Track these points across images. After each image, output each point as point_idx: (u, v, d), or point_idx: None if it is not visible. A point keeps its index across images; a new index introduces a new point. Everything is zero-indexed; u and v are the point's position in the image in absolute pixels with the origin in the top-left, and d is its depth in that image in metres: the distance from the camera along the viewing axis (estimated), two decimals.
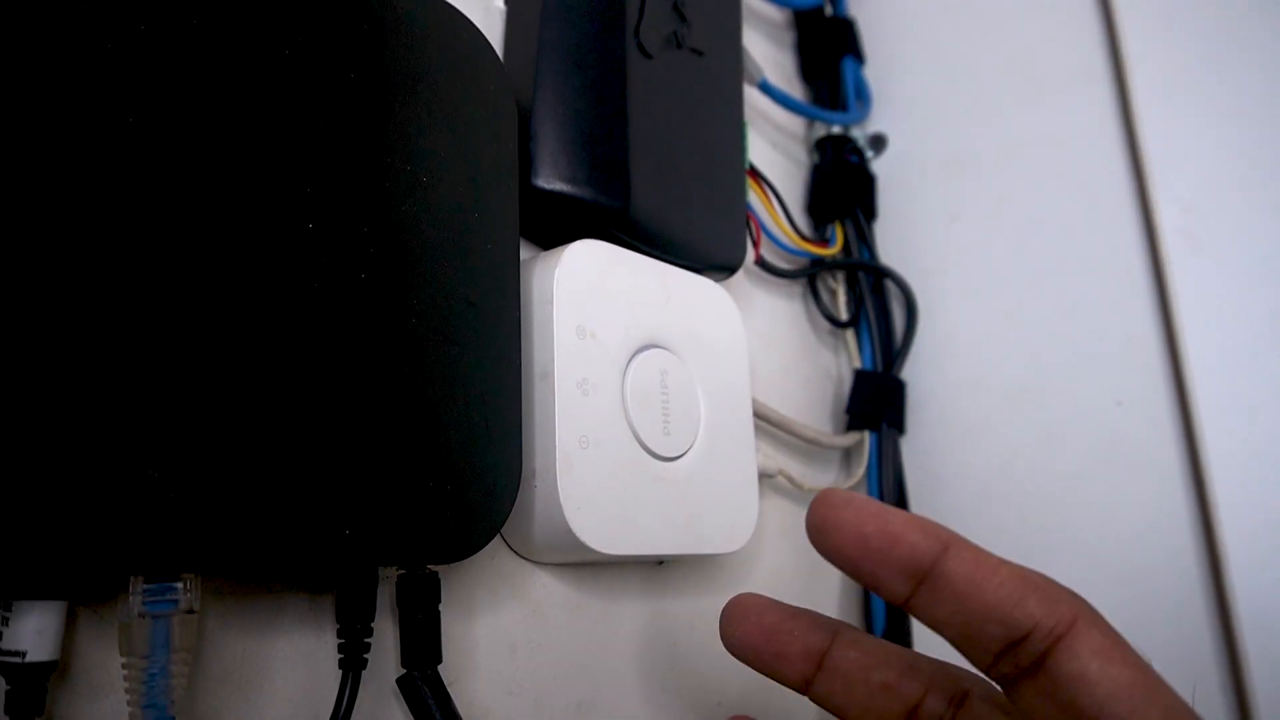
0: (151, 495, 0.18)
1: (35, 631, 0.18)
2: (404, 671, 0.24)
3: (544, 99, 0.31)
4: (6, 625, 0.18)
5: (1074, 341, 0.41)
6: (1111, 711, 0.18)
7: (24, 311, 0.17)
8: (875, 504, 0.20)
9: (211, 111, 0.21)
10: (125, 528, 0.18)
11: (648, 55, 0.34)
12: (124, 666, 0.19)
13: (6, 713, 0.18)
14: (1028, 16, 0.45)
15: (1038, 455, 0.40)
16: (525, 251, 0.31)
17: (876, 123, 0.51)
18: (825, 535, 0.20)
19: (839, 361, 0.48)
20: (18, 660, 0.18)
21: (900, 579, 0.20)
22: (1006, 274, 0.44)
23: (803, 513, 0.41)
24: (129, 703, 0.19)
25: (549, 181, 0.30)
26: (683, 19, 0.36)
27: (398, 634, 0.25)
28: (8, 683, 0.18)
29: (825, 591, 0.42)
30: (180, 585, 0.20)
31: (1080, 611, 0.19)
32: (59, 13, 0.19)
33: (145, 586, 0.19)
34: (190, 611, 0.20)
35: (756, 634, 0.24)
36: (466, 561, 0.28)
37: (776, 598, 0.38)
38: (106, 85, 0.19)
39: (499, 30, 0.34)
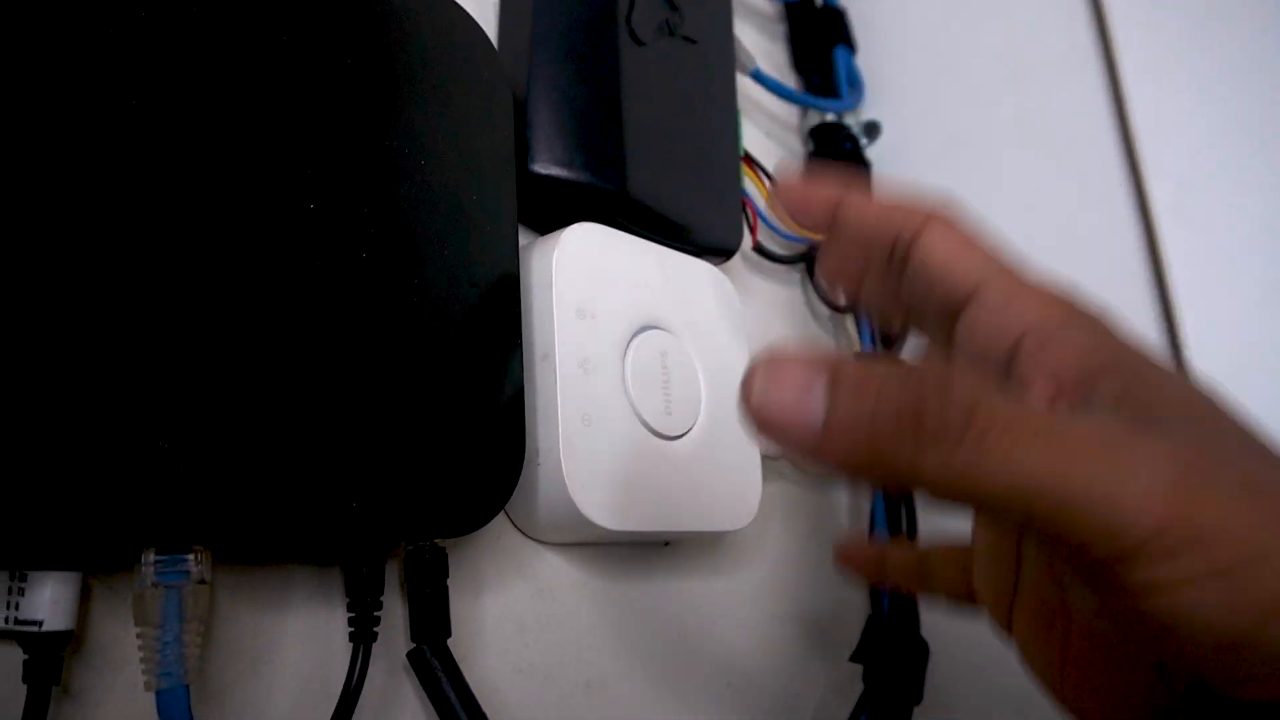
0: (163, 468, 0.19)
1: (51, 601, 0.18)
2: (414, 646, 0.25)
3: (538, 86, 0.31)
4: (23, 595, 0.18)
5: None
6: (940, 276, 0.21)
7: (40, 291, 0.18)
8: (798, 180, 0.25)
9: (215, 98, 0.21)
10: (137, 499, 0.18)
11: (640, 42, 0.34)
12: (138, 636, 0.19)
13: (25, 681, 0.18)
14: (1016, 1, 0.45)
15: None
16: (524, 238, 0.32)
17: (870, 110, 0.51)
18: (798, 214, 0.25)
19: (840, 347, 0.48)
20: (34, 629, 0.18)
21: (822, 222, 0.24)
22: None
23: (806, 496, 0.41)
24: (144, 671, 0.19)
25: (545, 166, 0.31)
26: (673, 7, 0.37)
27: (407, 610, 0.25)
28: (25, 651, 0.18)
29: (830, 570, 0.42)
30: (191, 557, 0.20)
31: (931, 216, 0.22)
32: (82, 9, 0.19)
33: (157, 558, 0.19)
34: (202, 582, 0.20)
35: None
36: (474, 542, 0.28)
37: (782, 580, 0.39)
38: (114, 72, 0.20)
39: (493, 21, 0.34)
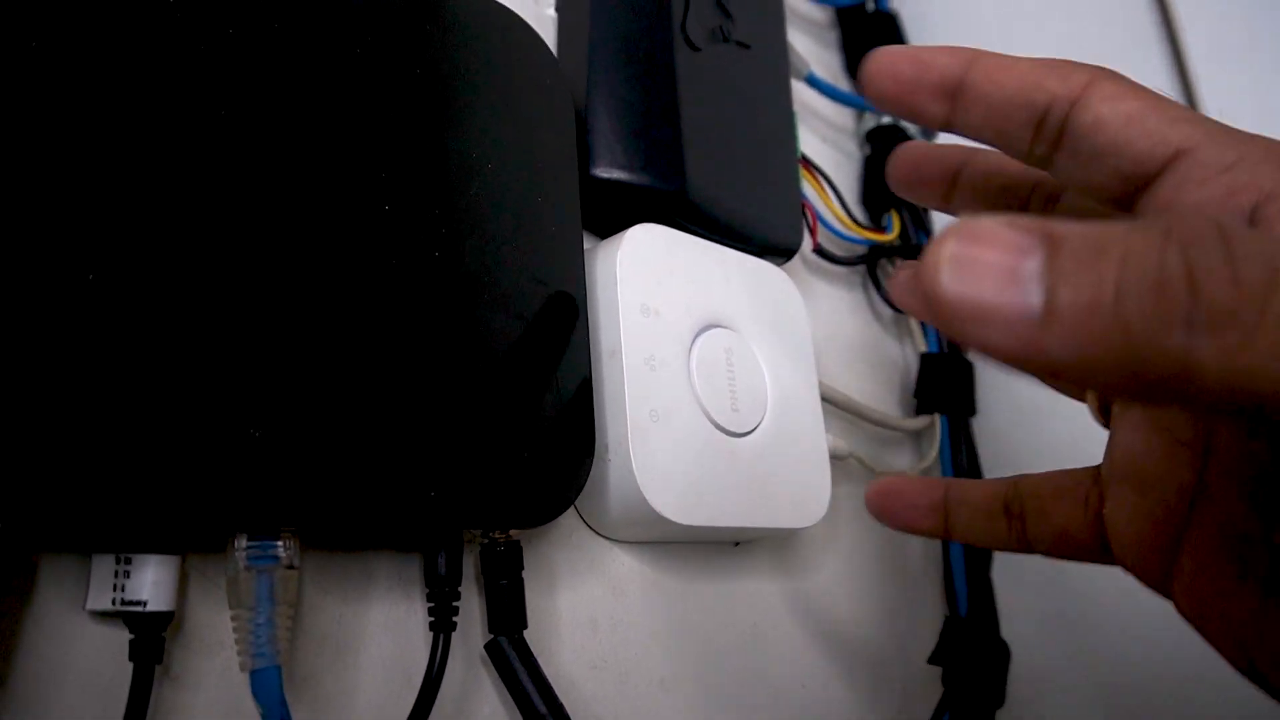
0: (253, 455, 0.19)
1: (153, 583, 0.19)
2: (491, 638, 0.25)
3: (597, 94, 0.32)
4: (128, 577, 0.19)
5: None
6: (1128, 139, 0.18)
7: (143, 293, 0.19)
8: (903, 47, 0.22)
9: (299, 108, 0.22)
10: (229, 484, 0.19)
11: (695, 48, 0.35)
12: (233, 619, 0.20)
13: (130, 659, 0.19)
14: None
15: None
16: (587, 242, 0.32)
17: None
18: (872, 83, 0.22)
19: (904, 348, 0.47)
20: (139, 609, 0.19)
21: (937, 100, 0.21)
22: None
23: None
24: (238, 652, 0.20)
25: (607, 170, 0.31)
26: (727, 14, 0.37)
27: (483, 604, 0.26)
28: (130, 630, 0.19)
29: (903, 572, 0.41)
30: (280, 543, 0.21)
31: (1095, 74, 0.19)
32: (171, 19, 0.20)
33: (248, 543, 0.20)
34: (290, 567, 0.21)
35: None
36: (548, 539, 0.29)
37: (854, 579, 0.38)
38: (207, 84, 0.21)
39: (551, 36, 0.35)
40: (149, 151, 0.20)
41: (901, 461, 0.44)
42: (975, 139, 0.21)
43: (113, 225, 0.19)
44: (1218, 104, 0.38)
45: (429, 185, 0.25)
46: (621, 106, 0.32)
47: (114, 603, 0.19)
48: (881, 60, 0.22)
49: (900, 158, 0.26)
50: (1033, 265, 0.12)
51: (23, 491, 0.16)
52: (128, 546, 0.19)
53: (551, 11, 0.36)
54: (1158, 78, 0.41)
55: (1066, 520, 0.21)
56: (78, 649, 0.19)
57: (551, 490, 0.25)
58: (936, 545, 0.42)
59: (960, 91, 0.20)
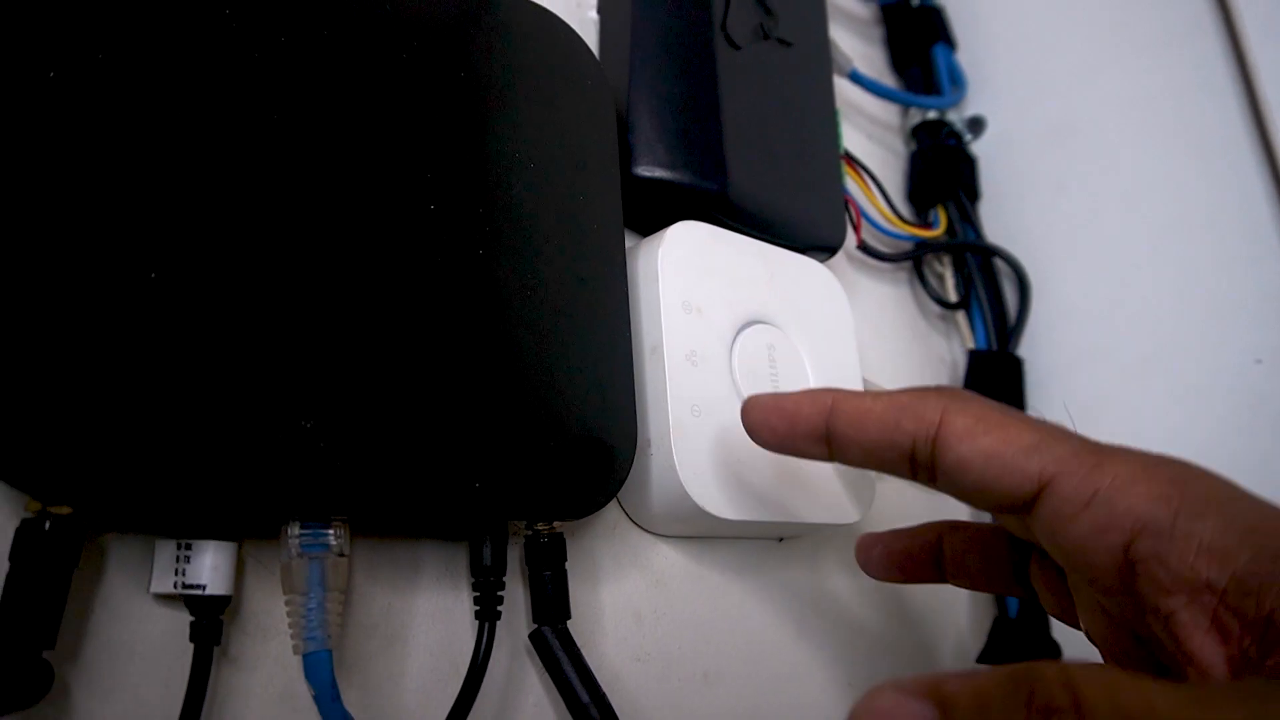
0: (305, 445, 0.20)
1: (212, 568, 0.20)
2: (535, 628, 0.26)
3: (638, 93, 0.33)
4: (189, 562, 0.20)
5: (1202, 301, 0.39)
6: (990, 478, 0.20)
7: (200, 287, 0.20)
8: (770, 397, 0.25)
9: (349, 111, 0.23)
10: (282, 473, 0.20)
11: (735, 46, 0.35)
12: (286, 604, 0.21)
13: (191, 640, 0.20)
14: None
15: (1171, 422, 0.39)
16: (629, 241, 0.33)
17: (973, 105, 0.50)
18: (754, 436, 0.25)
19: (951, 345, 0.47)
20: (199, 592, 0.20)
21: (814, 445, 0.23)
22: (1121, 239, 0.42)
23: (923, 496, 0.41)
24: (292, 635, 0.21)
25: (649, 169, 0.32)
26: (767, 11, 0.37)
27: (528, 595, 0.26)
28: (191, 613, 0.20)
29: None
30: (331, 531, 0.21)
31: (944, 407, 0.21)
32: (228, 27, 0.21)
33: (301, 530, 0.21)
34: (341, 555, 0.21)
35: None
36: (591, 533, 0.29)
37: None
38: (263, 89, 0.22)
39: (594, 38, 0.36)
40: (209, 155, 0.20)
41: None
42: (862, 469, 0.24)
43: (174, 227, 0.20)
44: (1275, 90, 0.37)
45: (473, 185, 0.25)
46: (663, 106, 0.33)
47: (175, 586, 0.20)
48: (754, 414, 0.25)
49: (872, 557, 0.29)
50: None
51: (93, 479, 0.17)
52: (188, 533, 0.20)
53: (593, 14, 0.36)
54: (1214, 62, 0.40)
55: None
56: (142, 629, 0.20)
57: (594, 483, 0.26)
58: None
59: (831, 438, 0.23)
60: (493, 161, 0.26)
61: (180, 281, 0.19)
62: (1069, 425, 0.21)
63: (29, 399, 0.17)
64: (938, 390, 0.22)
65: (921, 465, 0.21)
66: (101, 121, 0.19)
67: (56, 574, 0.18)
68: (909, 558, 0.28)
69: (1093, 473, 0.19)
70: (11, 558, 0.18)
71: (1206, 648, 0.17)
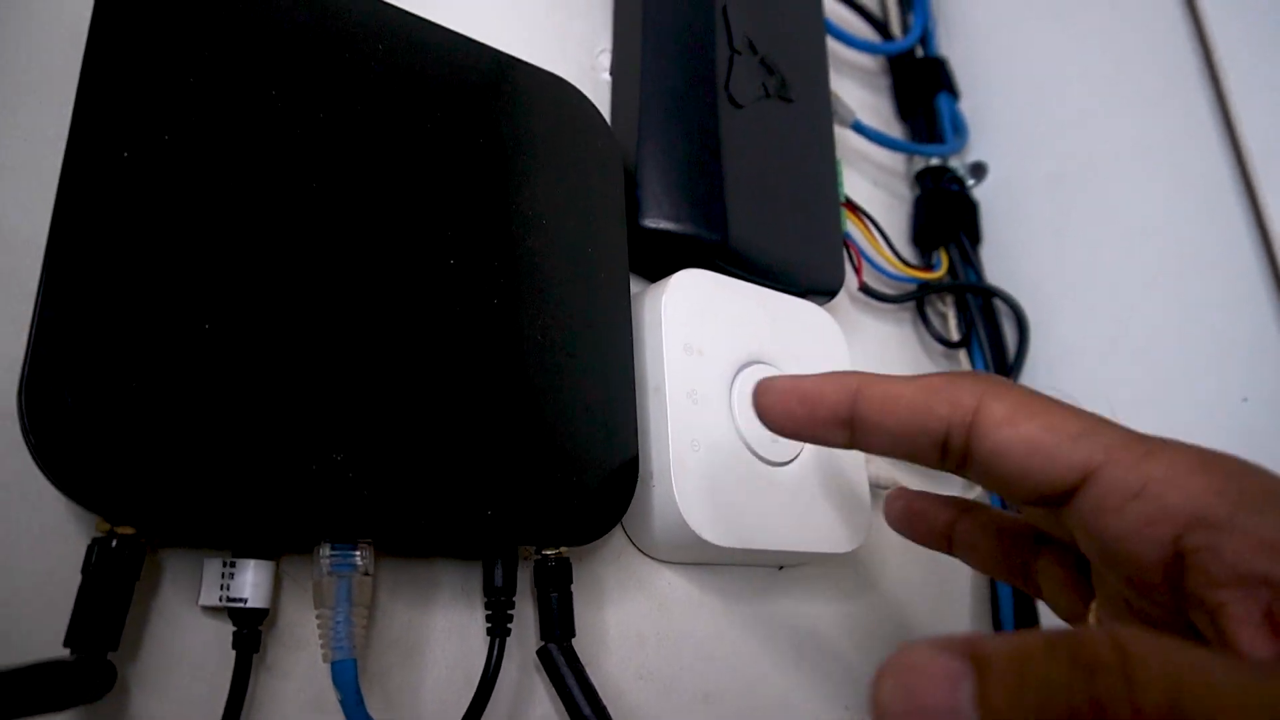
0: (336, 475, 0.23)
1: (253, 584, 0.23)
2: (542, 644, 0.28)
3: (646, 150, 0.35)
4: (232, 578, 0.23)
5: (1193, 342, 0.40)
6: (1031, 467, 0.19)
7: (247, 336, 0.22)
8: (787, 379, 0.23)
9: (380, 177, 0.26)
10: (316, 500, 0.22)
11: (738, 105, 0.38)
12: (317, 617, 0.24)
13: (233, 648, 0.22)
14: (1115, 31, 0.46)
15: None
16: (636, 286, 0.35)
17: (975, 152, 0.53)
18: (768, 421, 0.24)
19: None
20: (241, 605, 0.22)
21: (835, 430, 0.22)
22: (1117, 282, 0.44)
23: None
24: (321, 645, 0.23)
25: (655, 221, 0.34)
26: (770, 71, 0.40)
27: (537, 614, 0.29)
28: (234, 623, 0.23)
29: (948, 598, 0.42)
30: (358, 552, 0.24)
31: (982, 393, 0.20)
32: (274, 108, 0.25)
33: (331, 551, 0.24)
34: (366, 574, 0.24)
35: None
36: (598, 558, 0.31)
37: (901, 605, 0.40)
38: (303, 160, 0.25)
39: (606, 99, 0.39)
40: (258, 220, 0.23)
41: (949, 490, 0.45)
42: (884, 456, 0.23)
43: (225, 283, 0.23)
44: (1258, 139, 0.39)
45: (489, 241, 0.28)
46: (669, 162, 0.35)
47: (220, 599, 0.22)
48: (769, 397, 0.23)
49: (893, 508, 0.29)
50: (965, 689, 0.13)
51: (155, 502, 0.20)
52: (232, 550, 0.23)
53: (606, 75, 0.39)
54: (1201, 114, 0.41)
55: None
56: (191, 637, 0.23)
57: (598, 512, 0.28)
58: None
59: (855, 422, 0.22)
60: (508, 219, 0.29)
61: (230, 333, 0.22)
62: (1110, 416, 0.20)
63: (103, 436, 0.20)
64: (973, 375, 0.21)
65: (953, 452, 0.20)
66: (170, 194, 0.22)
67: (121, 586, 0.20)
68: (923, 519, 0.28)
69: (1142, 462, 0.18)
70: (84, 571, 0.20)
71: (1257, 640, 0.16)
